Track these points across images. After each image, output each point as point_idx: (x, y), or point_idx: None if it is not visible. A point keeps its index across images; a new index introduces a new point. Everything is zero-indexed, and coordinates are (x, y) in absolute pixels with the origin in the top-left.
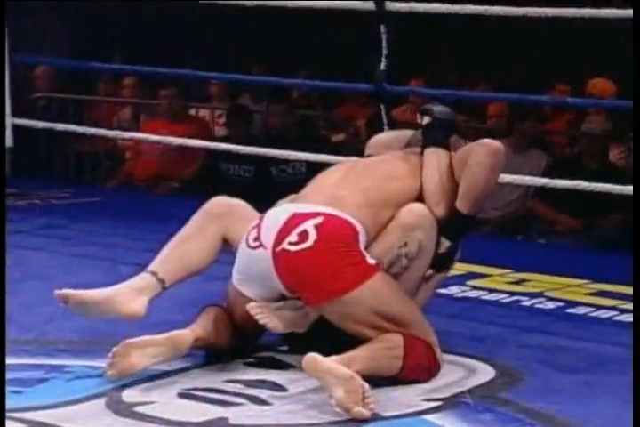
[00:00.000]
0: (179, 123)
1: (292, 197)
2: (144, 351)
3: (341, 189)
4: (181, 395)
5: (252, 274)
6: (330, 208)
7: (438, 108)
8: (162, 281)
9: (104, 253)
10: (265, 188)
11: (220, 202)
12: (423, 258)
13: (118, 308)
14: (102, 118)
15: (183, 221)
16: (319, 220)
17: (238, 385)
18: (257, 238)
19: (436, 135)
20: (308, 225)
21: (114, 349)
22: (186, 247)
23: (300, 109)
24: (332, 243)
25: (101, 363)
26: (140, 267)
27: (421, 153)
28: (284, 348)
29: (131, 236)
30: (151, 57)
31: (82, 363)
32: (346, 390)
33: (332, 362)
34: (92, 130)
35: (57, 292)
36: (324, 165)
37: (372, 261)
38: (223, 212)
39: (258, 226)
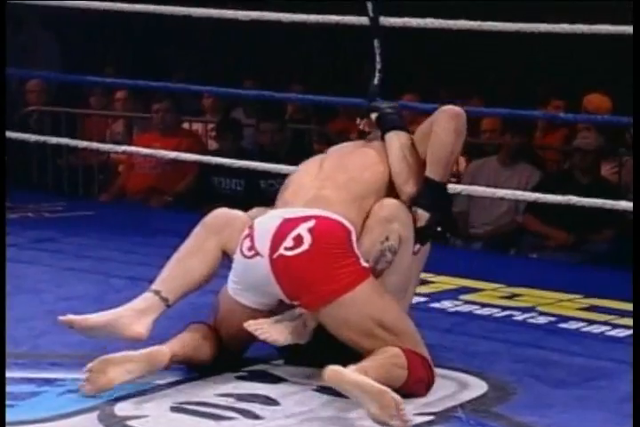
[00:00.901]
0: (171, 136)
1: (260, 209)
2: (121, 367)
3: (322, 189)
4: (174, 409)
5: (249, 283)
6: (318, 210)
7: (384, 104)
8: (165, 300)
9: (97, 266)
10: (255, 201)
11: (218, 215)
12: (406, 248)
13: (122, 331)
14: (95, 132)
15: (176, 234)
16: (311, 223)
17: (230, 399)
18: (251, 248)
19: (392, 120)
20: (302, 229)
21: (89, 364)
22: (187, 263)
23: (292, 124)
24: (327, 245)
25: None
26: (133, 280)
27: (382, 139)
28: (277, 361)
29: (123, 249)
30: (143, 70)
31: (74, 376)
32: (380, 405)
33: (357, 375)
34: (85, 143)
35: (60, 318)
36: None
37: (365, 263)
38: (222, 225)
39: (250, 235)
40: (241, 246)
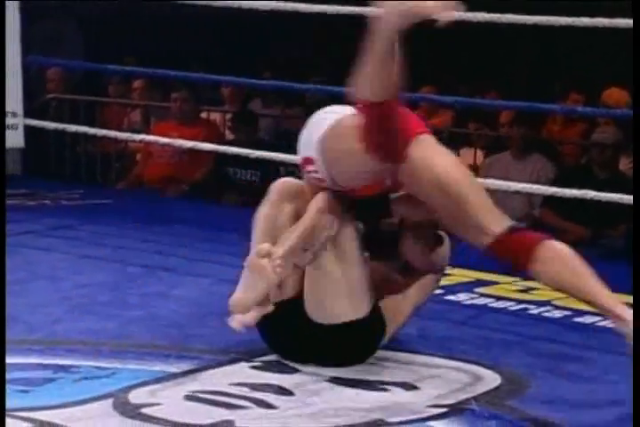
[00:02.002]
0: (189, 126)
1: None
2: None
3: None
4: (188, 397)
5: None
6: None
7: None
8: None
9: (113, 254)
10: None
11: (289, 183)
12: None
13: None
14: (113, 120)
15: (192, 223)
16: None
17: (244, 388)
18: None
19: None
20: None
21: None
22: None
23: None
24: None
25: (109, 364)
26: (149, 269)
27: None
28: None
29: (140, 237)
30: (163, 59)
31: (89, 363)
32: None
33: None
34: (103, 131)
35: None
36: None
37: None
38: (294, 193)
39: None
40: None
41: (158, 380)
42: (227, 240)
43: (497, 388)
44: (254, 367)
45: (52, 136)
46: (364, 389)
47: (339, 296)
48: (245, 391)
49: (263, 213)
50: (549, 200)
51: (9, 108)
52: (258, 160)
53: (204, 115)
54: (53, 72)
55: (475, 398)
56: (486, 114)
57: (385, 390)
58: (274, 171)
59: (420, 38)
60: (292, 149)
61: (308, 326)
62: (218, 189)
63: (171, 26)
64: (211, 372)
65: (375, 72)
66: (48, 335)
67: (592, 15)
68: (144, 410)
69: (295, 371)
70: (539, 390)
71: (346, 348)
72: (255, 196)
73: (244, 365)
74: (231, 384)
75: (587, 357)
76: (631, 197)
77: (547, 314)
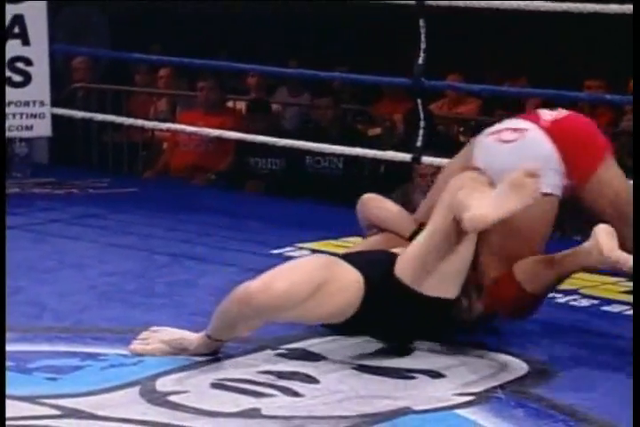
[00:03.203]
0: (215, 115)
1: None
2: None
3: None
4: (214, 385)
5: (522, 162)
6: None
7: None
8: None
9: (140, 243)
10: (296, 179)
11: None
12: None
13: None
14: (140, 109)
15: (219, 212)
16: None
17: (271, 376)
18: (515, 130)
19: None
20: (542, 111)
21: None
22: None
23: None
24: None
25: None
26: (176, 257)
27: None
28: (316, 339)
29: (166, 226)
30: (189, 48)
31: (116, 351)
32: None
33: None
34: (130, 120)
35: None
36: (360, 161)
37: None
38: None
39: (500, 130)
40: (499, 137)
41: (185, 368)
42: (252, 229)
43: (524, 376)
44: (280, 355)
45: (80, 125)
46: (390, 376)
47: (452, 273)
48: (271, 379)
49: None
50: None
51: (36, 97)
52: (278, 148)
53: (229, 104)
54: (80, 61)
55: (501, 386)
56: (514, 101)
57: (411, 377)
58: (298, 160)
59: (447, 25)
60: (317, 138)
61: (399, 291)
62: (240, 179)
63: (197, 15)
64: (236, 360)
65: None
66: (75, 323)
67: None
68: (171, 398)
69: (321, 358)
70: (565, 379)
71: (428, 320)
72: (278, 184)
73: (269, 353)
74: (257, 372)
75: (614, 345)
76: None
77: (574, 303)
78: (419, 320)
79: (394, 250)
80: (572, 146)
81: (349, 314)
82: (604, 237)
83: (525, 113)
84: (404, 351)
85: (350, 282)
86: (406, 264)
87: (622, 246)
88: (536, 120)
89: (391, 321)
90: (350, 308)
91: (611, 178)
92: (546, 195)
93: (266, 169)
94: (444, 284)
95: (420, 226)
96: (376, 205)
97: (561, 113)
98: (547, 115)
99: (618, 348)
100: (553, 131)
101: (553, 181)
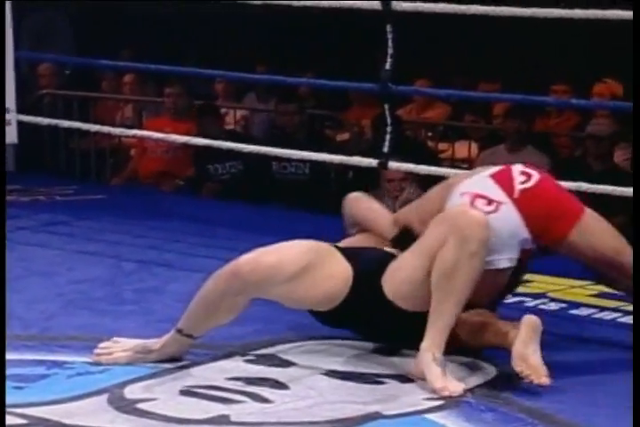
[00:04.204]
0: (183, 121)
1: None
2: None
3: None
4: (183, 392)
5: (502, 238)
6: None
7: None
8: None
9: (108, 250)
10: (263, 185)
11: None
12: None
13: None
14: (107, 115)
15: (187, 218)
16: (520, 166)
17: (239, 383)
18: (490, 202)
19: None
20: (518, 168)
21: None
22: None
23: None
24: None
25: None
26: (143, 264)
27: None
28: (285, 346)
29: (134, 233)
30: (159, 53)
31: (83, 359)
32: None
33: None
34: (97, 127)
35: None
36: (327, 167)
37: None
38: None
39: (476, 195)
40: (474, 206)
41: (153, 375)
42: (220, 235)
43: (493, 380)
44: (249, 361)
45: (46, 131)
46: (359, 382)
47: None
48: (241, 386)
49: None
50: None
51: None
52: (234, 153)
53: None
54: (45, 67)
55: (471, 390)
56: (482, 106)
57: (381, 382)
58: (264, 165)
59: (416, 31)
60: (284, 144)
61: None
62: (200, 184)
63: (166, 20)
64: (205, 366)
65: None
66: (42, 331)
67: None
68: (140, 405)
69: (290, 364)
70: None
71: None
72: (238, 188)
73: (238, 359)
74: (226, 379)
75: (583, 349)
76: (625, 190)
77: (543, 306)
78: (395, 328)
79: (388, 249)
80: (542, 216)
81: (334, 304)
82: (526, 330)
83: (499, 172)
84: (389, 352)
85: (339, 272)
86: (396, 283)
87: (612, 286)
88: (510, 190)
89: (370, 322)
90: (335, 297)
91: (586, 239)
92: (500, 270)
93: (227, 174)
94: (424, 300)
95: (402, 230)
96: (361, 204)
97: (532, 178)
98: (519, 182)
99: (587, 351)
100: (523, 202)
101: (513, 255)
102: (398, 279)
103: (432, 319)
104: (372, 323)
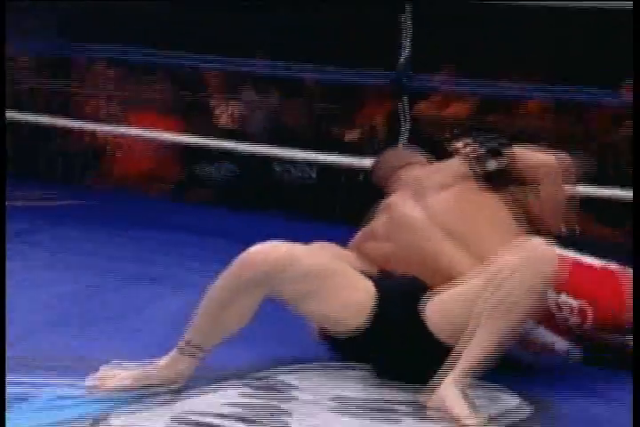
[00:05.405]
0: (171, 117)
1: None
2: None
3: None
4: (175, 419)
5: None
6: None
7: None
8: None
9: (89, 260)
10: (264, 190)
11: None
12: None
13: None
14: (89, 112)
15: (175, 227)
16: None
17: (237, 409)
18: None
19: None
20: None
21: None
22: None
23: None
24: None
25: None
26: (126, 279)
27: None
28: (289, 368)
29: (116, 243)
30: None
31: (64, 381)
32: None
33: None
34: (79, 124)
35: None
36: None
37: None
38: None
39: None
40: None
41: (142, 400)
42: (217, 246)
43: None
44: (248, 386)
45: (26, 130)
46: (369, 417)
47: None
48: (238, 412)
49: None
50: None
51: None
52: (225, 153)
53: None
54: (24, 60)
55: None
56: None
57: (396, 420)
58: (265, 168)
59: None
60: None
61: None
62: (191, 188)
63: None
64: (200, 391)
65: None
66: (19, 351)
67: None
68: None
69: (291, 389)
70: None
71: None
72: (232, 192)
73: (236, 383)
74: (222, 404)
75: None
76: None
77: None
78: (425, 364)
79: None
80: None
81: (356, 322)
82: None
83: None
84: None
85: (361, 286)
86: (442, 318)
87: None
88: None
89: (397, 356)
90: (358, 312)
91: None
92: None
93: (218, 177)
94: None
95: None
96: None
97: None
98: None
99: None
100: None
101: None
102: (450, 313)
103: (471, 350)
104: (399, 354)
